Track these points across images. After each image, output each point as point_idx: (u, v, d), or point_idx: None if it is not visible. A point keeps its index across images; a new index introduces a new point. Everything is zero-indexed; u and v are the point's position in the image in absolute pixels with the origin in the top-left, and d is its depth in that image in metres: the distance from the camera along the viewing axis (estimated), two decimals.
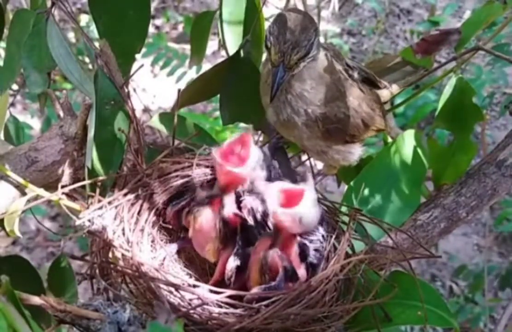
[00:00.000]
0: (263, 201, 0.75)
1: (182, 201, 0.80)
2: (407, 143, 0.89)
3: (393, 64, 1.00)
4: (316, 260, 0.73)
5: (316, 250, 0.74)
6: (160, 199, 0.81)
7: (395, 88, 0.97)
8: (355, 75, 0.90)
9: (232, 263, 0.74)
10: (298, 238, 0.73)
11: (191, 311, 0.66)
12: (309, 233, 0.73)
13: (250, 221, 0.75)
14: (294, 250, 0.73)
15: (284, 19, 0.80)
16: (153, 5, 3.47)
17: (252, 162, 0.76)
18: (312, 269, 0.73)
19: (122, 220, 0.75)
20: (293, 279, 0.71)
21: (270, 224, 0.76)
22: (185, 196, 0.82)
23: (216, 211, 0.77)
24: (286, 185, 0.75)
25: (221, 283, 0.75)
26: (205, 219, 0.77)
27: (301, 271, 0.72)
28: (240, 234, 0.76)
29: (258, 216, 0.75)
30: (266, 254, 0.72)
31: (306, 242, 0.73)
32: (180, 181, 0.84)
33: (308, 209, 0.71)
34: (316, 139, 0.87)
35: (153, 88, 3.22)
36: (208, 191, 0.79)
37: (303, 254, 0.73)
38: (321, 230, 0.75)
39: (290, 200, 0.72)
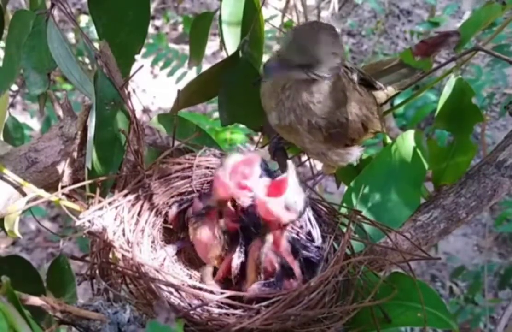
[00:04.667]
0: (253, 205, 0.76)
1: (184, 203, 0.81)
2: (407, 144, 0.89)
3: (390, 67, 1.00)
4: (315, 257, 0.73)
5: (315, 247, 0.74)
6: (160, 199, 0.81)
7: (390, 90, 0.97)
8: (355, 77, 0.90)
9: (237, 260, 0.74)
10: (286, 233, 0.74)
11: (191, 312, 0.66)
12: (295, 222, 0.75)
13: (245, 220, 0.76)
14: (284, 245, 0.73)
15: (315, 27, 0.81)
16: (153, 5, 3.48)
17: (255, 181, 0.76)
18: (308, 266, 0.73)
19: (122, 220, 0.75)
20: (289, 275, 0.71)
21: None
22: (186, 198, 0.82)
23: (214, 222, 0.77)
24: (267, 180, 0.75)
25: (223, 282, 0.76)
26: (204, 230, 0.77)
27: (295, 268, 0.72)
28: (241, 234, 0.76)
29: (250, 214, 0.76)
30: (260, 253, 0.72)
31: (294, 233, 0.74)
32: (180, 182, 0.84)
33: (293, 194, 0.72)
34: (318, 143, 0.87)
35: (153, 88, 3.22)
36: (204, 200, 0.79)
37: (294, 249, 0.73)
38: (314, 232, 0.76)
39: (275, 191, 0.73)
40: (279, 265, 0.71)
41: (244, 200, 0.76)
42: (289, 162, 0.74)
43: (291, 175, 0.72)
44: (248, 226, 0.76)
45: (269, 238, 0.73)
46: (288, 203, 0.71)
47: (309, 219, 0.77)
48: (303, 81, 0.82)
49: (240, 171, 0.77)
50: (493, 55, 0.96)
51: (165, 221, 0.82)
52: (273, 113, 0.87)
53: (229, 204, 0.77)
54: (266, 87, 0.88)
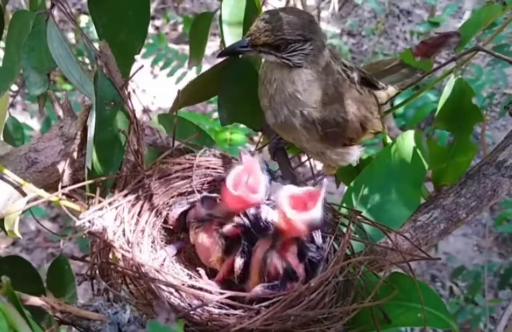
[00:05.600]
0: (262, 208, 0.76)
1: (184, 205, 0.81)
2: (407, 144, 0.89)
3: (391, 67, 1.00)
4: (316, 257, 0.73)
5: (317, 247, 0.74)
6: (160, 200, 0.81)
7: (391, 90, 0.97)
8: (355, 76, 0.89)
9: (240, 261, 0.74)
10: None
11: (191, 312, 0.66)
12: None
13: (247, 223, 0.75)
14: (293, 250, 0.73)
15: (287, 10, 0.81)
16: (153, 6, 3.48)
17: (263, 190, 0.76)
18: (311, 268, 0.73)
19: (122, 220, 0.75)
20: (293, 279, 0.71)
21: (270, 225, 0.76)
22: (188, 199, 0.82)
23: (215, 228, 0.77)
24: (293, 189, 0.75)
25: (223, 283, 0.76)
26: (206, 236, 0.77)
27: (300, 270, 0.72)
28: (243, 237, 0.76)
29: (252, 217, 0.75)
30: (266, 256, 0.72)
31: (306, 242, 0.74)
32: (180, 182, 0.84)
33: (319, 212, 0.71)
34: (315, 142, 0.87)
35: (153, 89, 3.23)
36: (207, 206, 0.79)
37: (301, 253, 0.73)
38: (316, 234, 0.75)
39: (298, 204, 0.72)
40: (284, 270, 0.71)
41: (254, 211, 0.75)
42: (325, 180, 0.73)
43: (322, 193, 0.71)
44: (251, 229, 0.75)
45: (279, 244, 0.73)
46: (313, 220, 0.71)
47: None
48: (284, 71, 0.83)
49: (244, 180, 0.76)
50: (494, 55, 0.96)
51: (165, 221, 0.82)
52: (268, 112, 0.87)
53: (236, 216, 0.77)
54: (260, 87, 0.88)
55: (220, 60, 0.92)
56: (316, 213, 0.71)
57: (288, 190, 0.74)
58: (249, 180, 0.77)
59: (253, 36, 0.80)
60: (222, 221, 0.77)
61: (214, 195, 0.81)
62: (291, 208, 0.72)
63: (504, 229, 2.29)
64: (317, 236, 0.76)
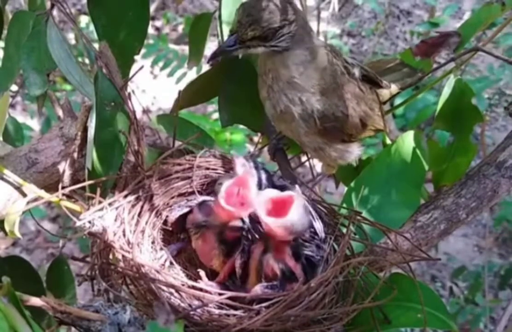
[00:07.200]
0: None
1: (183, 207, 0.81)
2: (407, 145, 0.89)
3: (392, 66, 1.00)
4: (315, 255, 0.73)
5: (316, 245, 0.74)
6: (160, 200, 0.81)
7: (394, 88, 0.96)
8: (356, 72, 0.89)
9: (240, 260, 0.75)
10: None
11: (191, 313, 0.66)
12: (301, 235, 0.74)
13: (245, 219, 0.76)
14: (288, 251, 0.73)
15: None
16: (153, 6, 3.48)
17: (253, 202, 0.76)
18: (309, 267, 0.73)
19: (122, 221, 0.75)
20: (291, 280, 0.71)
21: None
22: (186, 200, 0.82)
23: (213, 234, 0.77)
24: (272, 193, 0.75)
25: (223, 284, 0.76)
26: (205, 242, 0.78)
27: (298, 271, 0.72)
28: (243, 237, 0.76)
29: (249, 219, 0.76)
30: (262, 258, 0.72)
31: (299, 242, 0.74)
32: (180, 182, 0.84)
33: (297, 216, 0.71)
34: (314, 135, 0.87)
35: (153, 89, 3.23)
36: (204, 213, 0.79)
37: (296, 253, 0.73)
38: (317, 225, 0.75)
39: (278, 208, 0.72)
40: (281, 271, 0.71)
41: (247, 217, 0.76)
42: (297, 186, 0.73)
43: (297, 197, 0.71)
44: (249, 229, 0.76)
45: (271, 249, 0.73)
46: (290, 224, 0.71)
47: (310, 213, 0.76)
48: (275, 58, 0.82)
49: (235, 192, 0.76)
50: (493, 56, 0.96)
51: (165, 222, 0.82)
52: (267, 103, 0.87)
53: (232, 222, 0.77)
54: (259, 80, 0.88)
55: (211, 62, 0.92)
56: (291, 217, 0.71)
57: (268, 194, 0.74)
58: (240, 191, 0.77)
59: (239, 32, 0.79)
60: (219, 229, 0.77)
61: (211, 199, 0.81)
62: (269, 212, 0.72)
63: (504, 229, 2.29)
64: (319, 230, 0.75)
